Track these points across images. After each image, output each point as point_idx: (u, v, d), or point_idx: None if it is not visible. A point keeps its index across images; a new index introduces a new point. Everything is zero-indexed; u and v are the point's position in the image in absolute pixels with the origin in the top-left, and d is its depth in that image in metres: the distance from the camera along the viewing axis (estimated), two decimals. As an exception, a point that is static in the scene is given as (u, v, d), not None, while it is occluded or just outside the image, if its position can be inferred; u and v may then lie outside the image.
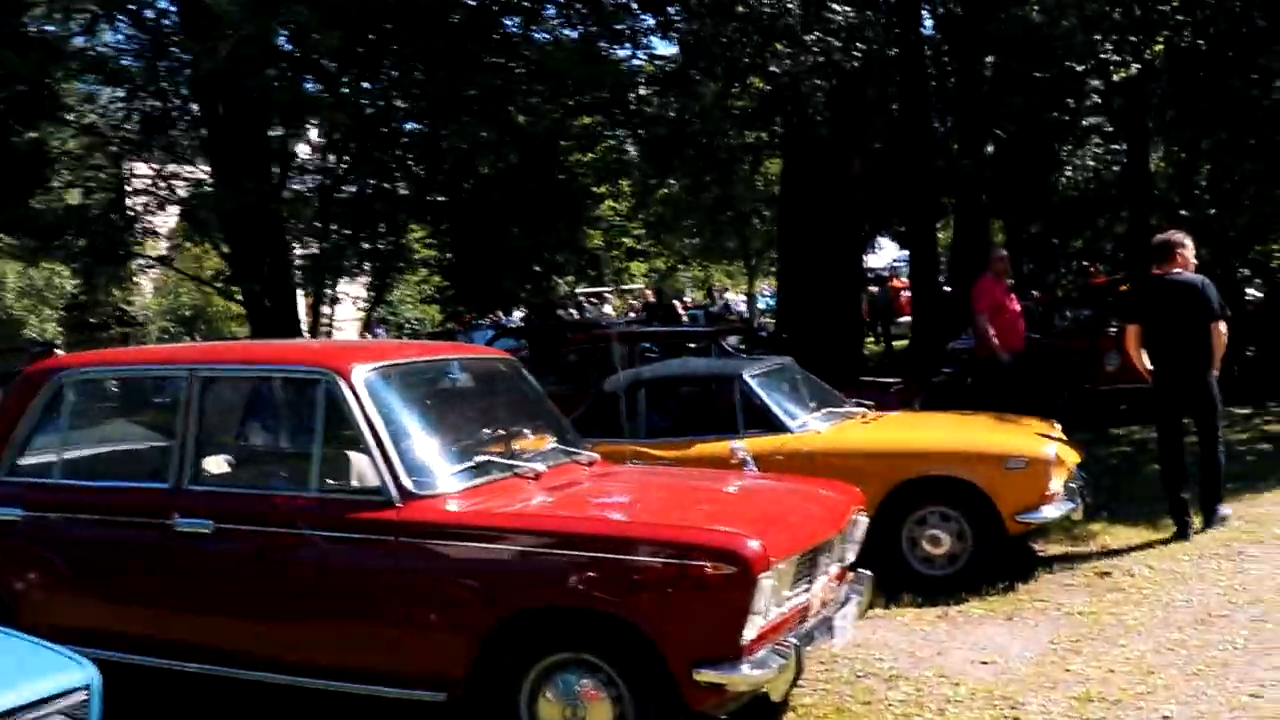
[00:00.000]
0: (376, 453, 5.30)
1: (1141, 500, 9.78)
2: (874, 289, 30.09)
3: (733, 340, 14.26)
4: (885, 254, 36.41)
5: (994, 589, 7.64)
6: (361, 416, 5.37)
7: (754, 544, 4.73)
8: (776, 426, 8.32)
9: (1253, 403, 15.06)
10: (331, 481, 5.57)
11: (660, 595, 4.73)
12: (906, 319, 26.40)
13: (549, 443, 6.23)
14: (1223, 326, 8.56)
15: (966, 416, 9.50)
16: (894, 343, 27.00)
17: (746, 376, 8.52)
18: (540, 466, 5.74)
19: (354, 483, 5.58)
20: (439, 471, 5.43)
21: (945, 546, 7.87)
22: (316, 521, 5.39)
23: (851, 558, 6.04)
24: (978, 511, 7.77)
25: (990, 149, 22.07)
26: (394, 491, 5.23)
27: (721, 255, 42.55)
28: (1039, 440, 8.21)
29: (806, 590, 5.34)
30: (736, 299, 42.39)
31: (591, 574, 4.83)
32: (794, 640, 4.99)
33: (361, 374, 5.49)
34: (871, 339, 29.37)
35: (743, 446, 6.98)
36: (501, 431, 6.17)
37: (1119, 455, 12.59)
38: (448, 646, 5.07)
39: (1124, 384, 14.44)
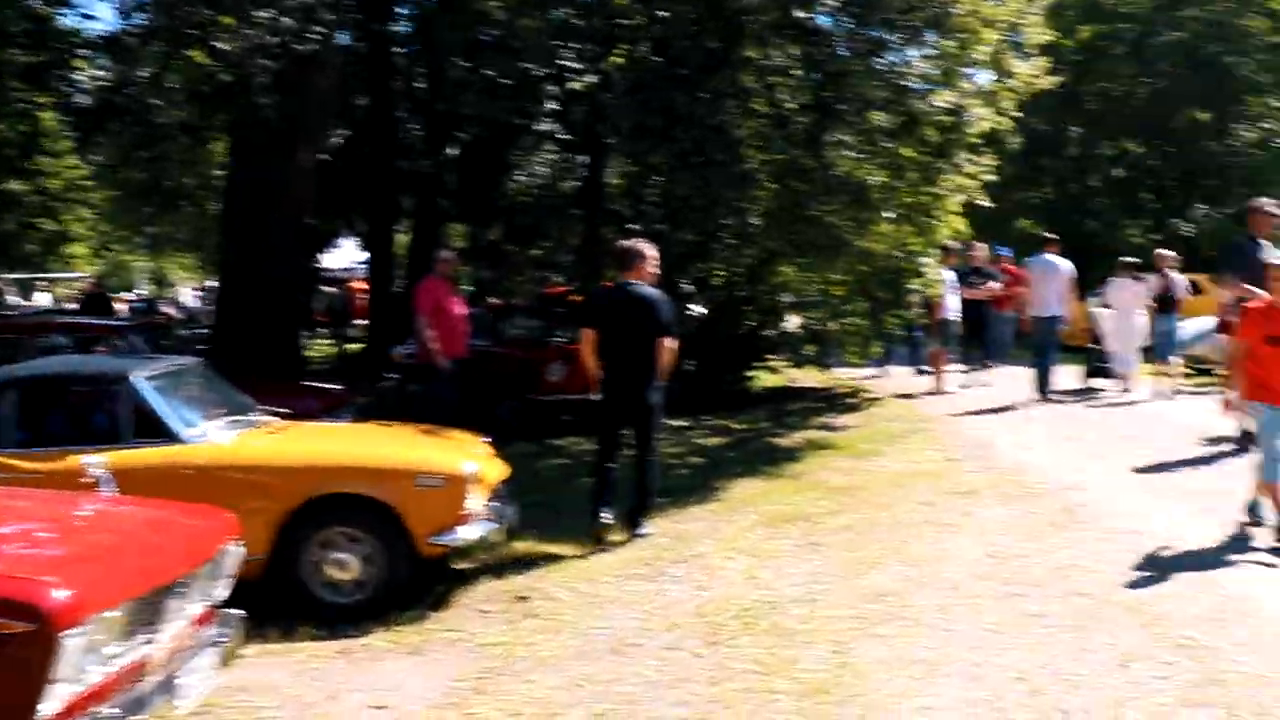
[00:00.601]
0: None
1: (574, 515, 9.34)
2: (332, 290, 29.22)
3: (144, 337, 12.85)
4: (346, 254, 35.50)
5: (404, 619, 6.94)
6: None
7: (60, 594, 3.73)
8: (169, 436, 7.25)
9: (690, 415, 15.33)
10: None
11: (-76, 659, 3.65)
12: (364, 322, 25.67)
13: None
14: (670, 342, 8.53)
15: (386, 428, 8.82)
16: (349, 346, 26.16)
17: (135, 378, 7.39)
18: None
19: None
20: None
21: (353, 571, 7.10)
22: None
23: (222, 595, 5.12)
24: (388, 533, 7.06)
25: (453, 151, 21.76)
26: None
27: (175, 246, 40.19)
28: (457, 456, 7.58)
29: (149, 641, 4.36)
30: (191, 294, 40.20)
31: None
32: (116, 710, 4.01)
33: None
34: (330, 342, 28.48)
35: (99, 462, 5.87)
36: None
37: (557, 468, 12.25)
38: None
39: (567, 394, 14.37)
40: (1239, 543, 7.75)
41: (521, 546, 8.50)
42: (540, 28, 14.97)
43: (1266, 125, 32.81)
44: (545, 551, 8.41)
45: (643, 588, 7.39)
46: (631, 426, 8.77)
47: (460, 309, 12.30)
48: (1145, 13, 32.91)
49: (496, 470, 7.90)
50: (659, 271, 8.99)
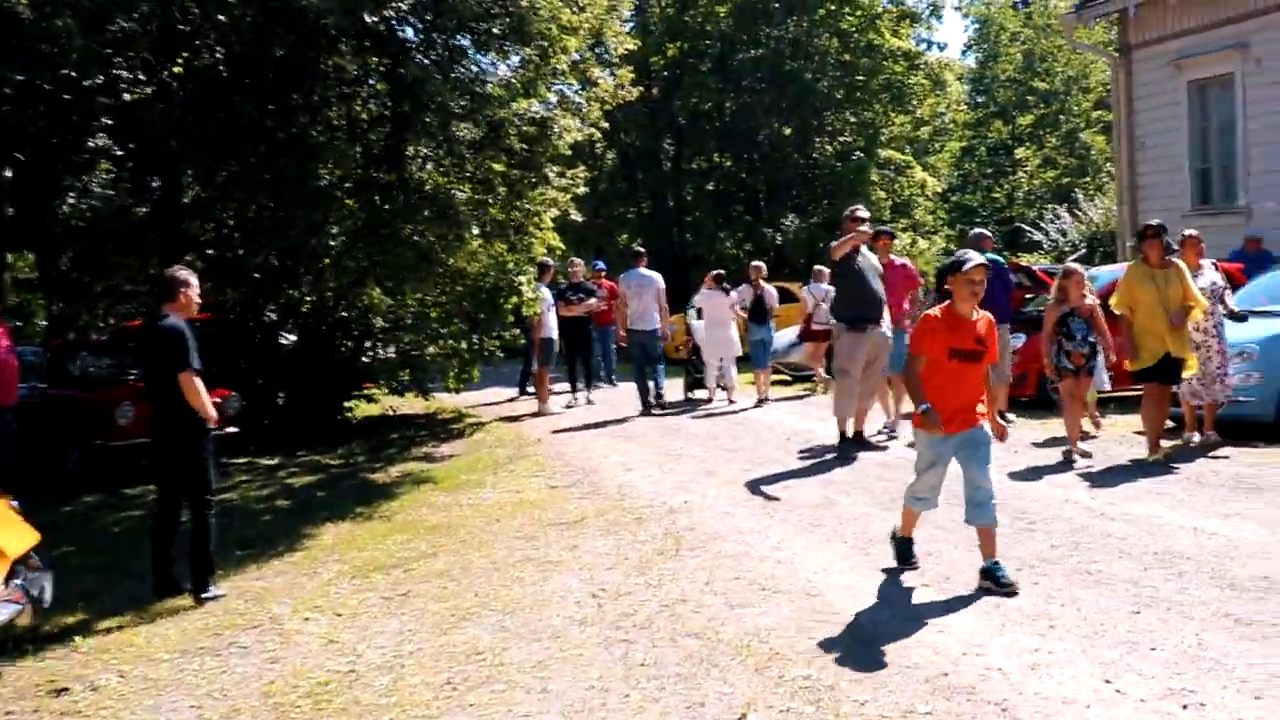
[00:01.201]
0: None
1: (141, 579, 8.30)
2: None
3: None
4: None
5: (-94, 734, 5.76)
6: None
7: None
8: None
9: (282, 452, 14.34)
10: None
11: None
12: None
13: None
14: (188, 377, 7.74)
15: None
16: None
17: None
18: None
19: None
20: None
21: None
22: None
23: None
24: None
25: (8, 174, 19.78)
26: None
27: None
28: (-31, 528, 6.44)
29: None
30: None
31: None
32: None
33: None
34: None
35: None
36: None
37: (128, 521, 10.98)
38: None
39: (139, 438, 13.10)
40: (847, 560, 7.53)
41: (70, 622, 7.41)
42: (76, 30, 13.43)
43: (845, 139, 34.44)
44: (99, 626, 7.34)
45: (206, 664, 6.39)
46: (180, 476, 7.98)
47: (6, 349, 10.91)
48: (728, 30, 33.97)
49: (24, 538, 6.78)
50: (200, 300, 8.17)
